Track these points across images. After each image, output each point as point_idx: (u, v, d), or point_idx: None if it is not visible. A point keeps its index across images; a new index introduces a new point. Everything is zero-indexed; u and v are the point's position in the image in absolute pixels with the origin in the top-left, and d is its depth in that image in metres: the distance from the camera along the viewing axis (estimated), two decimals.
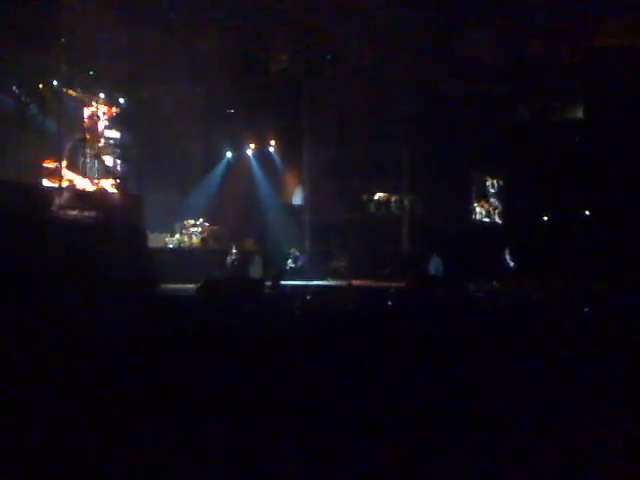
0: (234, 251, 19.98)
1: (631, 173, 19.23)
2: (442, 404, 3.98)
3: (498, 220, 23.36)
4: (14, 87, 16.84)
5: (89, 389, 4.05)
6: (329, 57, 20.91)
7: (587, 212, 21.91)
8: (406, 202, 22.29)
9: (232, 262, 19.46)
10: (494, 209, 23.43)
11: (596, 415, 3.85)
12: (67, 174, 17.04)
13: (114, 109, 18.83)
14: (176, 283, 17.50)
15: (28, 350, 4.93)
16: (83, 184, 17.33)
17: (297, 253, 21.24)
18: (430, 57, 20.01)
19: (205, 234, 20.88)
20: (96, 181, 17.81)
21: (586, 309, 8.41)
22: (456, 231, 20.18)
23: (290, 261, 20.87)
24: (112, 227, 15.68)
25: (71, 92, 17.84)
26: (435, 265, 18.03)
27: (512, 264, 18.23)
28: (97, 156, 17.98)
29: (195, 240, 20.71)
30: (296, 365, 4.67)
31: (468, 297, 9.90)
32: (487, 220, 23.22)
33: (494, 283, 13.95)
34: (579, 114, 22.40)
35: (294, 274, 19.63)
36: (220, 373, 4.50)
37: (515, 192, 22.16)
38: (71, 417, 3.77)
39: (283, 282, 16.88)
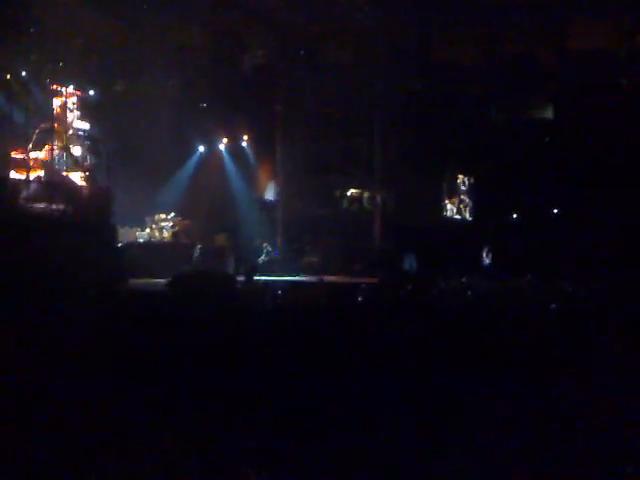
0: (199, 246, 19.82)
1: (600, 172, 19.56)
2: (414, 402, 4.00)
3: (468, 217, 23.58)
4: None
5: (56, 388, 3.97)
6: (303, 53, 20.88)
7: (555, 210, 22.25)
8: (378, 198, 22.38)
9: (197, 258, 19.24)
10: (465, 206, 23.64)
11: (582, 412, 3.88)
12: (35, 166, 16.71)
13: (84, 99, 18.53)
14: (146, 278, 17.34)
15: None
16: (51, 176, 17.02)
17: (269, 248, 21.20)
18: (404, 55, 20.12)
19: (177, 229, 20.68)
20: (64, 173, 17.49)
21: (553, 305, 8.54)
22: (429, 228, 20.33)
23: (263, 256, 20.82)
24: (80, 220, 15.44)
25: (40, 83, 17.52)
26: (409, 262, 18.16)
27: (488, 261, 18.43)
28: (66, 148, 17.65)
29: (166, 234, 20.51)
30: (268, 361, 4.65)
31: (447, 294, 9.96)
32: (458, 217, 23.43)
33: (463, 280, 14.07)
34: (549, 114, 22.71)
35: (266, 269, 19.58)
36: (190, 369, 4.46)
37: (485, 190, 22.40)
38: (36, 420, 3.70)
39: (256, 277, 16.84)
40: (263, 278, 17.34)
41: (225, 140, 23.56)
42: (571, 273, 13.93)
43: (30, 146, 16.75)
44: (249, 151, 23.74)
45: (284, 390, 4.12)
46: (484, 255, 18.61)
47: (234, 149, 23.58)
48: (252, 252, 20.80)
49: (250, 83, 21.77)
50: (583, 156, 19.99)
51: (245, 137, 23.63)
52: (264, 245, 21.24)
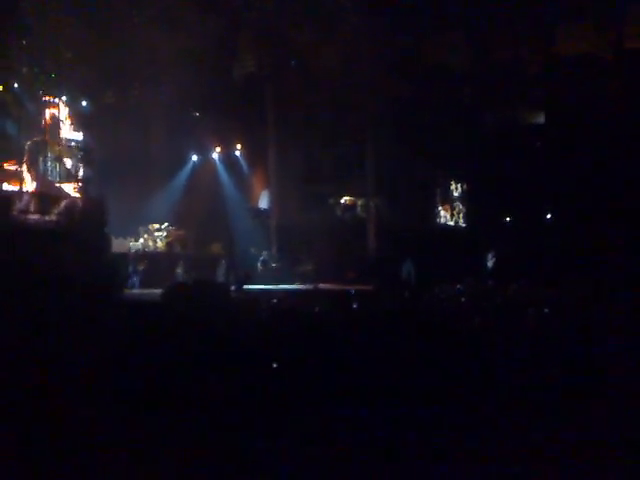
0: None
1: (592, 175, 19.65)
2: (410, 408, 3.99)
3: (462, 223, 23.65)
4: None
5: (54, 398, 3.96)
6: (294, 62, 20.94)
7: (548, 215, 22.34)
8: (372, 206, 22.40)
9: (183, 272, 19.06)
10: (458, 212, 23.72)
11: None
12: (28, 177, 16.68)
13: (76, 110, 18.52)
14: (140, 288, 17.31)
15: None
16: (44, 188, 16.97)
17: (267, 257, 21.02)
18: (395, 62, 20.20)
19: (170, 239, 20.66)
20: (58, 185, 17.47)
21: (546, 310, 8.55)
22: (424, 234, 20.37)
23: (259, 264, 20.64)
24: (74, 232, 15.39)
25: (31, 95, 17.51)
26: (407, 269, 18.18)
27: (490, 266, 18.42)
28: (59, 159, 17.63)
29: (160, 244, 20.47)
30: (266, 369, 4.64)
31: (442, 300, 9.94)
32: (451, 223, 23.50)
33: (458, 287, 14.07)
34: (540, 119, 22.84)
35: (264, 278, 19.53)
36: (185, 379, 4.44)
37: (478, 195, 22.48)
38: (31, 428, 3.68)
39: (252, 286, 16.81)
40: (257, 287, 17.31)
41: (218, 149, 23.58)
42: (565, 276, 13.96)
43: (24, 158, 16.72)
44: (242, 160, 23.78)
45: (281, 397, 4.12)
46: (482, 260, 18.61)
47: (227, 158, 23.61)
48: (246, 261, 20.74)
49: (242, 92, 21.80)
50: (575, 160, 20.09)
51: (238, 146, 23.66)
52: (263, 253, 21.05)
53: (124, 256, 18.96)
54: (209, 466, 3.50)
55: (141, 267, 18.69)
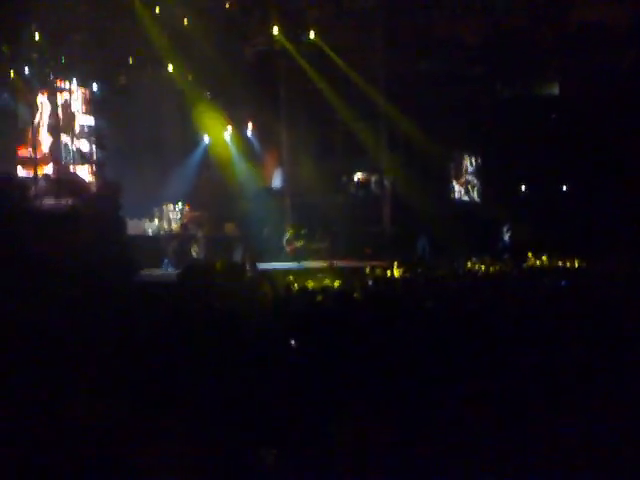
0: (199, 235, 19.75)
1: (607, 148, 19.40)
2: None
3: (477, 198, 23.48)
4: None
5: (75, 381, 4.01)
6: (305, 37, 20.73)
7: (564, 188, 22.12)
8: (386, 182, 22.29)
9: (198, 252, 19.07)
10: (472, 187, 23.54)
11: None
12: (42, 162, 16.78)
13: (88, 95, 18.56)
14: (155, 269, 17.45)
15: (8, 342, 4.87)
16: (59, 172, 17.08)
17: (290, 236, 20.78)
18: (407, 35, 19.96)
19: (185, 219, 20.72)
20: (72, 168, 17.56)
21: (563, 282, 8.51)
22: (438, 210, 20.25)
23: (284, 243, 20.49)
24: (90, 215, 15.50)
25: (43, 79, 17.54)
26: (422, 245, 18.11)
27: (506, 240, 18.28)
28: (72, 143, 17.72)
29: (174, 225, 20.56)
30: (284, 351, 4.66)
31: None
32: (466, 198, 23.33)
33: (473, 260, 14.02)
34: (555, 90, 22.51)
35: (280, 256, 19.55)
36: (201, 365, 4.47)
37: (493, 169, 22.28)
38: (60, 412, 3.73)
39: (266, 265, 16.86)
40: (273, 265, 17.38)
41: (230, 129, 23.53)
42: (582, 251, 13.83)
43: (37, 143, 16.82)
44: (254, 139, 23.72)
45: (304, 380, 4.12)
46: (498, 234, 18.49)
47: (239, 138, 23.55)
48: (260, 240, 20.74)
49: (253, 70, 21.68)
50: (590, 132, 19.81)
51: (250, 125, 23.59)
52: (287, 231, 20.84)
53: (138, 237, 19.06)
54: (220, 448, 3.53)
55: (171, 248, 18.81)
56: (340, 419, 3.64)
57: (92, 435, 3.52)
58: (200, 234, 20.13)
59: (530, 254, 13.85)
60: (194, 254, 19.11)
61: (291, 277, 12.20)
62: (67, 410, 3.74)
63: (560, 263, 11.59)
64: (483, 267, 12.44)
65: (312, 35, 20.38)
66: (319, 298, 7.51)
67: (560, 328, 4.80)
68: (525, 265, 12.52)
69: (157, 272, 17.00)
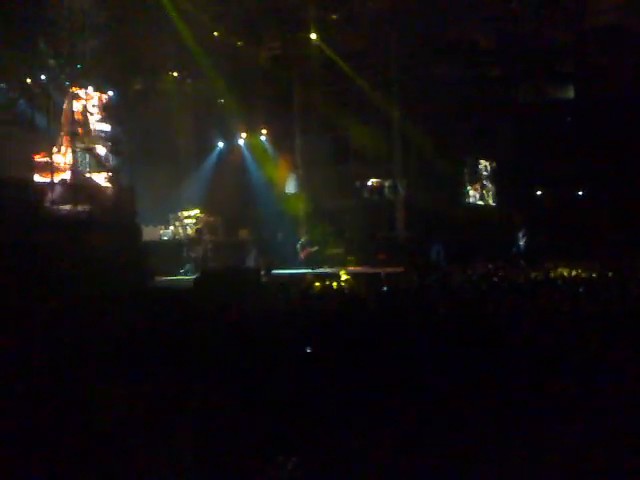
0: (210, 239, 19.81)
1: (624, 152, 19.24)
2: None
3: (492, 203, 23.37)
4: (1, 83, 16.70)
5: (92, 386, 4.03)
6: (318, 42, 20.79)
7: (580, 191, 21.96)
8: (399, 187, 22.25)
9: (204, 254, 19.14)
10: (487, 192, 23.44)
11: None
12: (58, 168, 16.90)
13: (104, 101, 18.68)
14: (171, 275, 17.52)
15: (25, 347, 4.90)
16: (75, 178, 17.20)
17: (305, 241, 20.77)
18: (420, 39, 19.94)
19: (199, 225, 20.81)
20: (88, 175, 17.68)
21: (580, 289, 8.41)
22: (453, 214, 20.18)
23: (298, 248, 20.49)
24: (106, 221, 15.59)
25: (59, 86, 17.69)
26: (437, 250, 18.03)
27: (521, 245, 18.13)
28: (88, 149, 17.83)
29: (189, 231, 20.64)
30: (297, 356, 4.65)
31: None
32: (481, 203, 23.23)
33: (490, 266, 13.92)
34: (570, 93, 22.38)
35: (295, 262, 19.56)
36: (219, 369, 4.47)
37: (508, 174, 22.17)
38: (74, 415, 3.75)
39: (281, 271, 16.87)
40: (287, 271, 17.38)
41: (244, 135, 23.62)
42: (601, 256, 13.71)
43: (54, 149, 16.94)
44: (268, 145, 23.79)
45: (320, 386, 4.11)
46: (513, 239, 18.36)
47: (253, 143, 23.64)
48: (274, 245, 20.78)
49: (267, 76, 21.77)
50: (606, 136, 19.67)
51: (264, 131, 23.68)
52: (302, 238, 20.86)
53: (155, 244, 19.15)
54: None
55: (193, 254, 18.93)
56: (353, 429, 3.63)
57: (101, 437, 3.54)
58: (214, 239, 20.21)
59: (548, 263, 13.72)
60: (209, 259, 19.20)
61: (306, 283, 12.18)
62: (80, 404, 3.77)
63: (578, 270, 11.47)
64: (499, 273, 12.35)
65: (326, 40, 20.45)
66: (333, 304, 7.49)
67: (582, 337, 4.73)
68: (542, 272, 12.41)
69: (173, 278, 17.07)
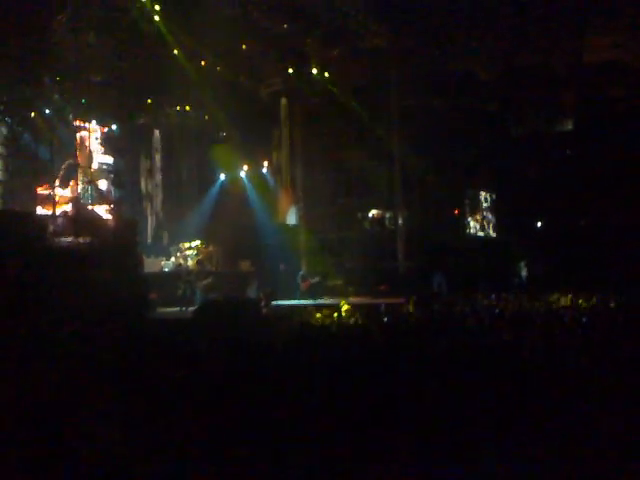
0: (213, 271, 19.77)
1: (623, 182, 19.35)
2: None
3: (492, 234, 23.42)
4: (6, 116, 16.90)
5: (91, 417, 4.00)
6: (320, 78, 21.06)
7: (581, 222, 22.01)
8: (400, 218, 22.31)
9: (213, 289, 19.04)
10: (488, 222, 23.50)
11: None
12: (61, 201, 17.01)
13: (106, 134, 18.89)
14: (172, 307, 17.47)
15: (26, 377, 4.88)
16: (77, 210, 17.29)
17: (305, 273, 20.83)
18: (420, 73, 20.19)
19: (200, 256, 20.82)
20: (90, 207, 17.78)
21: (584, 319, 8.38)
22: (454, 246, 20.20)
23: (299, 280, 20.48)
24: (107, 252, 15.62)
25: (63, 119, 17.92)
26: (438, 280, 18.00)
27: (523, 276, 18.14)
28: (90, 182, 17.97)
29: (190, 263, 20.65)
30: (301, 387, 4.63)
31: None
32: (481, 234, 23.28)
33: (492, 297, 13.89)
34: (569, 126, 22.59)
35: (295, 294, 19.51)
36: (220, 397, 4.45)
37: (508, 205, 22.25)
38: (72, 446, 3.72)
39: (281, 302, 16.83)
40: (287, 302, 17.33)
41: (245, 167, 23.81)
42: (602, 285, 13.67)
43: (57, 182, 17.07)
44: (269, 177, 23.95)
45: (317, 414, 4.08)
46: (514, 270, 18.37)
47: (255, 176, 23.81)
48: (275, 277, 20.76)
49: (268, 110, 22.01)
50: (605, 167, 19.80)
51: (265, 163, 23.86)
52: (301, 270, 20.90)
53: (156, 275, 19.13)
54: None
55: (194, 285, 18.89)
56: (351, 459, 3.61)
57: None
58: (215, 270, 20.22)
59: (552, 293, 13.69)
60: (210, 290, 19.14)
61: (308, 313, 12.14)
62: (76, 433, 3.75)
63: (580, 300, 11.43)
64: (500, 304, 12.32)
65: (326, 75, 20.73)
66: (335, 334, 7.46)
67: (587, 368, 4.71)
68: (544, 302, 12.37)
69: (175, 309, 17.01)
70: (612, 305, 10.31)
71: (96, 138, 18.36)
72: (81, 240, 15.57)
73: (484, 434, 3.71)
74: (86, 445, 3.63)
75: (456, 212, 22.48)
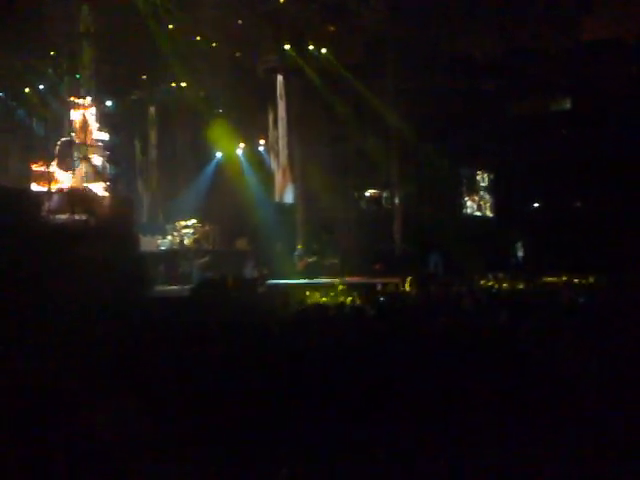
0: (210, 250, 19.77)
1: (620, 163, 19.30)
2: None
3: (489, 214, 23.41)
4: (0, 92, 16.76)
5: (90, 397, 3.99)
6: (316, 54, 20.88)
7: (578, 203, 22.00)
8: (397, 198, 22.25)
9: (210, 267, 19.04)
10: (485, 203, 23.48)
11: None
12: (56, 177, 16.90)
13: (102, 111, 18.73)
14: (169, 285, 17.48)
15: (23, 359, 4.87)
16: (73, 187, 17.21)
17: (301, 252, 20.77)
18: (418, 52, 20.03)
19: (197, 235, 20.78)
20: (86, 184, 17.68)
21: (581, 299, 8.41)
22: (450, 226, 20.17)
23: (296, 259, 20.44)
24: (103, 230, 15.57)
25: (58, 95, 17.75)
26: (434, 261, 18.01)
27: (519, 257, 18.12)
28: (86, 159, 17.84)
29: (187, 241, 20.61)
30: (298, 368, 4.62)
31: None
32: (478, 214, 23.27)
33: (491, 277, 13.91)
34: (567, 106, 22.47)
35: (294, 272, 19.50)
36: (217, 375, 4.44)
37: (505, 185, 22.22)
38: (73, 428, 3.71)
39: (277, 281, 16.85)
40: (283, 281, 17.34)
41: (242, 145, 23.67)
42: (599, 268, 13.69)
43: (54, 161, 16.96)
44: (266, 155, 23.82)
45: (317, 395, 4.08)
46: (511, 250, 18.36)
47: (251, 154, 23.68)
48: (272, 256, 20.74)
49: (265, 87, 21.83)
50: (603, 147, 19.73)
51: (262, 141, 23.72)
52: (297, 248, 20.84)
53: (152, 254, 19.10)
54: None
55: (190, 263, 18.89)
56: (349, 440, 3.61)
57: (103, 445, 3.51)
58: (212, 249, 20.21)
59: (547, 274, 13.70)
60: (206, 269, 19.15)
61: (306, 292, 12.17)
62: (70, 413, 3.74)
63: (576, 280, 11.46)
64: (497, 284, 12.36)
65: (323, 51, 20.53)
66: (331, 313, 7.47)
67: (583, 347, 4.70)
68: (540, 282, 12.39)
69: (172, 288, 17.01)
70: (607, 285, 10.35)
71: (91, 115, 18.19)
72: (76, 217, 15.51)
73: (482, 417, 3.71)
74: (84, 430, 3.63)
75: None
